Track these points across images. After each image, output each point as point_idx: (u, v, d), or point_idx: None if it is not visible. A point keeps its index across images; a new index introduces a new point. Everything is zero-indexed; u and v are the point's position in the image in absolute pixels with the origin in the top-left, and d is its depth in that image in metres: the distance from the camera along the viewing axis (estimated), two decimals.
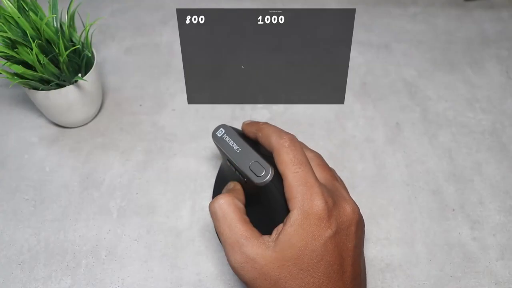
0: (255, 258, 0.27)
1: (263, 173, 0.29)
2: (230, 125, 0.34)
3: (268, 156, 0.31)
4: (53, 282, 0.36)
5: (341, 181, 0.34)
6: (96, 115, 0.48)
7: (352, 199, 0.30)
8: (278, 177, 0.29)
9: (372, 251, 0.38)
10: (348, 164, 0.44)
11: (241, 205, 0.30)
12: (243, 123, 0.35)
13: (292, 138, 0.30)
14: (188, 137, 0.46)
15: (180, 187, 0.42)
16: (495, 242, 0.38)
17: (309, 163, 0.29)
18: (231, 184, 0.33)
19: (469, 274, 0.37)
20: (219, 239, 0.37)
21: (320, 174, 0.31)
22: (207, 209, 0.40)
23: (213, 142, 0.45)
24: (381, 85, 0.52)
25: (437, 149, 0.45)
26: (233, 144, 0.32)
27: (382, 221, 0.40)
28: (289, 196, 0.28)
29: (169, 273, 0.36)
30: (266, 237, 0.28)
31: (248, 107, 0.49)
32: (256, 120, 0.35)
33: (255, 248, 0.27)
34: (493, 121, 0.48)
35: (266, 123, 0.33)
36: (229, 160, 0.32)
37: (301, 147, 0.30)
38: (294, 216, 0.27)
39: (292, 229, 0.27)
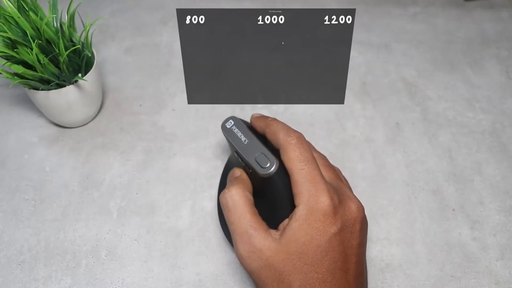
0: (262, 249, 0.28)
1: (268, 164, 0.30)
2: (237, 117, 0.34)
3: (274, 150, 0.31)
4: (53, 282, 0.36)
5: (346, 181, 0.34)
6: (96, 115, 0.48)
7: (357, 198, 0.30)
8: (283, 170, 0.30)
9: (372, 251, 0.38)
10: (348, 164, 0.44)
11: (251, 197, 0.31)
12: (252, 116, 0.35)
13: (300, 136, 0.30)
14: (188, 137, 0.46)
15: (180, 187, 0.42)
16: (495, 242, 0.38)
17: (315, 160, 0.29)
18: (237, 172, 0.33)
19: (469, 274, 0.37)
20: (223, 230, 0.37)
21: (325, 174, 0.31)
22: (207, 209, 0.40)
23: (213, 142, 0.45)
24: (381, 85, 0.52)
25: (437, 149, 0.45)
26: (241, 136, 0.32)
27: (382, 221, 0.40)
28: (295, 192, 0.28)
29: (169, 273, 0.36)
30: (272, 230, 0.29)
31: (248, 107, 0.49)
32: (265, 115, 0.35)
33: (262, 239, 0.28)
34: (493, 121, 0.48)
35: (275, 119, 0.33)
36: (236, 151, 0.33)
37: (308, 145, 0.30)
38: (300, 211, 0.27)
39: (297, 224, 0.27)
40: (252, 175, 0.32)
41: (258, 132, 0.34)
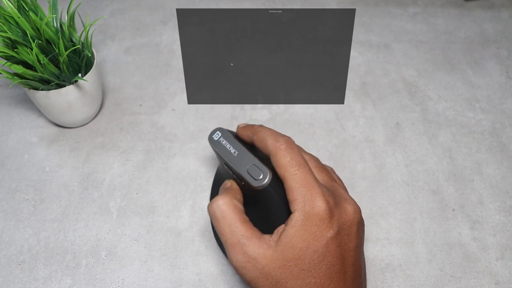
0: (257, 258, 0.27)
1: (261, 176, 0.29)
2: (229, 125, 0.34)
3: (265, 159, 0.31)
4: (53, 282, 0.36)
5: (340, 181, 0.34)
6: (96, 115, 0.48)
7: (353, 199, 0.30)
8: (276, 179, 0.29)
9: (372, 251, 0.38)
10: (348, 164, 0.44)
11: (239, 205, 0.30)
12: (238, 127, 0.34)
13: (289, 141, 0.30)
14: (188, 137, 0.46)
15: (180, 187, 0.42)
16: (495, 242, 0.38)
17: (307, 164, 0.29)
18: (228, 183, 0.33)
19: (469, 274, 0.37)
20: (216, 240, 0.37)
21: (319, 176, 0.31)
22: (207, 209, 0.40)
23: None
24: (381, 85, 0.52)
25: (437, 149, 0.45)
26: (230, 148, 0.32)
27: (382, 221, 0.40)
28: (290, 198, 0.28)
29: (169, 273, 0.36)
30: (267, 236, 0.28)
31: (248, 107, 0.49)
32: (251, 123, 0.34)
33: (256, 248, 0.27)
34: (493, 121, 0.48)
35: (261, 126, 0.32)
36: (226, 164, 0.32)
37: (298, 149, 0.30)
38: (296, 217, 0.27)
39: (293, 230, 0.27)
40: (244, 186, 0.31)
41: (246, 142, 0.33)
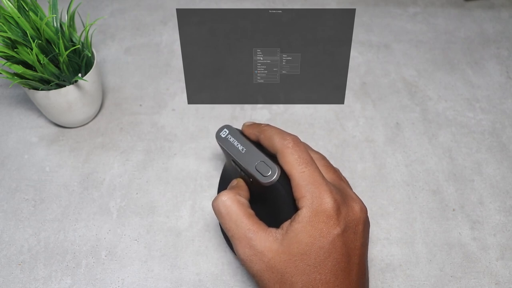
0: (263, 251, 0.28)
1: (270, 172, 0.29)
2: (231, 125, 0.34)
3: (272, 156, 0.31)
4: (53, 282, 0.36)
5: (346, 181, 0.34)
6: (96, 115, 0.48)
7: (360, 199, 0.30)
8: (284, 176, 0.29)
9: (372, 251, 0.38)
10: (348, 164, 0.44)
11: (243, 200, 0.30)
12: (244, 125, 0.34)
13: (295, 139, 0.30)
14: (188, 137, 0.46)
15: (180, 187, 0.42)
16: (495, 242, 0.38)
17: (314, 162, 0.29)
18: (235, 181, 0.33)
19: (469, 274, 0.37)
20: (223, 234, 0.37)
21: (326, 175, 0.31)
22: (207, 209, 0.40)
23: (213, 142, 0.45)
24: (381, 85, 0.52)
25: (437, 149, 0.45)
26: (237, 145, 0.32)
27: (382, 221, 0.40)
28: (298, 195, 0.28)
29: (169, 273, 0.36)
30: (273, 230, 0.28)
31: (248, 107, 0.49)
32: (257, 122, 0.35)
33: (263, 241, 0.28)
34: (493, 121, 0.48)
35: (268, 125, 0.33)
36: (234, 161, 0.32)
37: (305, 147, 0.30)
38: (303, 213, 0.27)
39: (300, 225, 0.27)
40: (252, 183, 0.32)
41: (252, 140, 0.33)
